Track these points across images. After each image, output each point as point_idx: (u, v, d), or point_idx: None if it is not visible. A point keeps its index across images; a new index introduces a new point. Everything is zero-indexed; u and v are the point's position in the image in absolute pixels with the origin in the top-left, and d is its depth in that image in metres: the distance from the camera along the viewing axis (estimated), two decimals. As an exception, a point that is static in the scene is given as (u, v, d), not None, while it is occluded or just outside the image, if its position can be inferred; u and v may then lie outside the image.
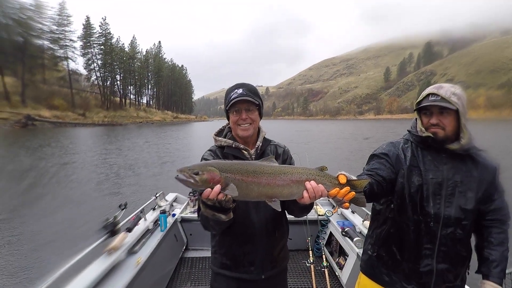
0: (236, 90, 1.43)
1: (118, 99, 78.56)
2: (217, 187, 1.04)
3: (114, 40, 75.84)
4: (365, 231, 3.27)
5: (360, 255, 2.83)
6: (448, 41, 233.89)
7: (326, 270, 3.16)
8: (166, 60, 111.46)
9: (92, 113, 58.53)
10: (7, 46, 46.03)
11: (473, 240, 1.54)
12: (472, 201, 1.41)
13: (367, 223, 3.33)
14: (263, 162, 1.21)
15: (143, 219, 3.34)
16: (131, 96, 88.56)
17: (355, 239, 3.13)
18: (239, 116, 1.43)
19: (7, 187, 9.80)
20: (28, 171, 12.11)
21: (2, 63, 45.39)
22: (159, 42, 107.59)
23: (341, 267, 3.35)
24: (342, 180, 1.17)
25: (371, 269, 1.66)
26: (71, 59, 63.00)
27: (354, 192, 1.15)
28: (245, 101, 1.41)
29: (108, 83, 74.19)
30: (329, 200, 4.33)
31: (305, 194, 1.13)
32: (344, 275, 3.22)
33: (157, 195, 3.95)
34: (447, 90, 1.40)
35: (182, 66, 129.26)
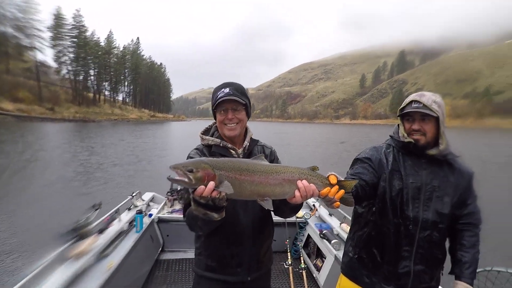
0: (223, 89, 1.41)
1: (91, 94, 75.31)
2: (211, 184, 1.02)
3: (89, 34, 72.81)
4: (343, 234, 3.31)
5: (338, 257, 2.93)
6: (419, 51, 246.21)
7: (304, 271, 3.21)
8: (144, 57, 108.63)
9: (62, 108, 55.54)
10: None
11: (447, 243, 1.60)
12: (448, 205, 1.48)
13: (345, 225, 3.41)
14: (254, 160, 1.20)
15: (117, 219, 3.21)
16: (106, 93, 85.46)
17: (332, 241, 3.17)
18: (225, 115, 1.42)
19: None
20: None
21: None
22: (138, 38, 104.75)
23: (318, 269, 3.38)
24: (333, 180, 1.19)
25: (352, 271, 1.69)
26: (38, 49, 59.50)
27: (343, 191, 1.17)
28: (231, 101, 1.39)
29: (81, 78, 70.93)
30: (317, 200, 4.30)
31: (297, 193, 1.14)
32: (321, 277, 3.25)
33: (133, 195, 3.80)
34: (429, 98, 1.46)
35: (161, 64, 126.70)
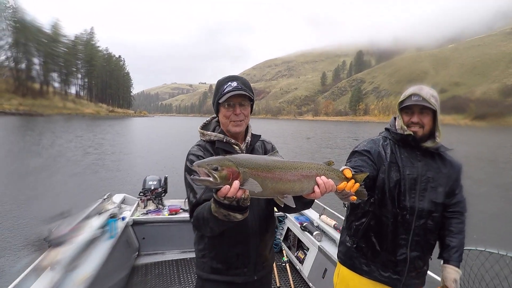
0: (229, 83, 1.36)
1: (37, 85, 68.53)
2: (236, 183, 0.97)
3: (29, 18, 65.48)
4: (323, 225, 3.38)
5: (322, 248, 3.04)
6: (375, 52, 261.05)
7: (287, 264, 3.29)
8: (100, 48, 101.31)
9: (2, 99, 49.53)
10: None
11: None
12: (442, 195, 1.59)
13: (324, 217, 3.47)
14: (272, 156, 1.18)
15: (88, 226, 2.97)
16: (56, 85, 78.61)
17: (314, 233, 3.23)
18: (232, 110, 1.37)
19: None
20: None
21: None
22: (92, 28, 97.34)
23: (301, 261, 3.41)
24: (348, 174, 1.20)
25: (350, 260, 1.73)
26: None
27: (359, 184, 1.20)
28: (240, 95, 1.34)
29: (23, 66, 63.88)
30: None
31: (317, 189, 1.13)
32: (305, 269, 3.28)
33: (104, 198, 3.60)
34: (427, 92, 1.52)
35: (120, 57, 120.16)
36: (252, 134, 1.54)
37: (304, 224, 3.49)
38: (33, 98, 60.62)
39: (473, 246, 2.18)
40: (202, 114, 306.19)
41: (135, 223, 3.68)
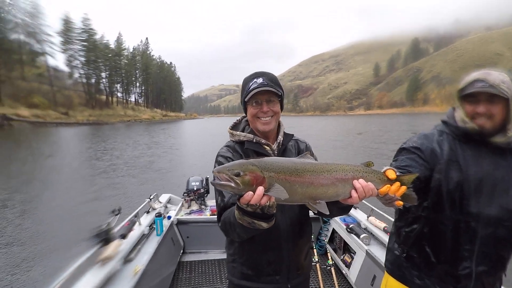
0: (255, 80, 1.29)
1: (104, 97, 75.87)
2: (260, 190, 0.90)
3: (98, 37, 73.11)
4: (371, 227, 3.15)
5: (370, 252, 2.84)
6: (434, 38, 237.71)
7: (332, 268, 3.09)
8: (154, 57, 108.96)
9: (76, 112, 55.90)
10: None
11: None
12: None
13: (373, 218, 3.25)
14: (301, 159, 1.11)
15: (137, 223, 3.17)
16: (119, 94, 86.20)
17: (362, 236, 3.04)
18: (259, 108, 1.29)
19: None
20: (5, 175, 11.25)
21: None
22: (146, 38, 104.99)
23: (347, 265, 3.26)
24: (392, 175, 1.08)
25: (400, 271, 1.53)
26: (49, 54, 59.92)
27: (405, 187, 1.07)
28: (266, 92, 1.27)
29: (93, 81, 71.44)
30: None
31: (354, 193, 1.04)
32: (352, 274, 3.11)
33: (151, 197, 3.74)
34: (496, 77, 1.27)
35: (171, 63, 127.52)
36: (284, 133, 1.44)
37: (350, 226, 3.30)
38: (100, 109, 67.38)
39: None
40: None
41: (179, 222, 3.82)
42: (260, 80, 1.28)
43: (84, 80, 68.94)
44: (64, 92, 61.00)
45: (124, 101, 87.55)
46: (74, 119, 51.62)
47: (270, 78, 1.31)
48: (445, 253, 1.37)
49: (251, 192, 0.90)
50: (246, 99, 1.29)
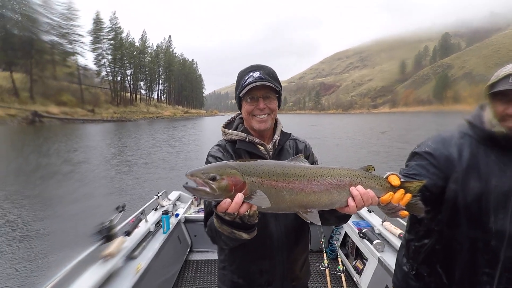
0: (251, 73, 1.19)
1: (128, 94, 78.25)
2: (239, 197, 0.81)
3: (124, 35, 75.41)
4: (386, 233, 2.96)
5: (383, 260, 2.65)
6: (466, 33, 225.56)
7: (342, 274, 2.95)
8: (176, 54, 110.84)
9: (101, 109, 58.16)
10: (15, 41, 45.72)
11: None
12: None
13: (388, 224, 3.05)
14: (292, 162, 0.99)
15: (143, 220, 3.19)
16: (142, 92, 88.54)
17: (375, 242, 2.85)
18: (255, 105, 1.19)
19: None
20: (22, 170, 11.78)
21: (11, 58, 45.13)
22: (169, 36, 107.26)
23: (359, 272, 3.09)
24: (395, 181, 0.97)
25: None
26: (80, 54, 62.56)
27: (410, 195, 0.95)
28: (263, 87, 1.16)
29: (118, 79, 73.85)
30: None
31: (351, 202, 0.93)
32: (363, 282, 2.94)
33: (159, 195, 3.73)
34: None
35: (193, 60, 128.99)
36: (281, 132, 1.34)
37: (363, 231, 3.12)
38: (124, 106, 69.82)
39: None
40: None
41: (187, 221, 3.79)
42: (256, 73, 1.17)
43: (110, 78, 71.37)
44: (91, 90, 63.78)
45: (147, 98, 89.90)
46: (99, 116, 53.78)
47: (267, 72, 1.20)
48: (460, 275, 1.20)
49: (228, 200, 0.81)
50: (241, 94, 1.19)
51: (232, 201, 0.80)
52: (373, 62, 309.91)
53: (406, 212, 0.97)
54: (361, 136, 27.16)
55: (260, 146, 1.24)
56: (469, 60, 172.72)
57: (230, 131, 1.28)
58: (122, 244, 2.50)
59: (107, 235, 2.37)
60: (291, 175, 0.89)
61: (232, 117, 1.37)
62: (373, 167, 1.01)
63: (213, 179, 0.81)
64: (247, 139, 1.24)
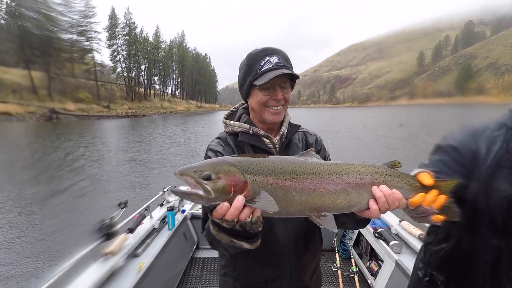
0: (267, 58, 1.04)
1: (143, 90, 79.27)
2: (239, 200, 0.68)
3: (138, 30, 76.07)
4: (403, 233, 2.79)
5: (400, 263, 2.46)
6: (491, 20, 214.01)
7: (356, 276, 2.77)
8: (189, 49, 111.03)
9: (116, 105, 59.14)
10: (34, 40, 46.77)
11: None
12: None
13: (406, 224, 2.86)
14: (301, 157, 0.86)
15: (148, 217, 3.12)
16: (156, 87, 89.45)
17: (391, 243, 2.66)
18: (271, 95, 1.05)
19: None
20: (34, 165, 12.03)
21: (29, 57, 46.27)
22: (183, 31, 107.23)
23: (373, 274, 2.92)
24: (427, 180, 0.83)
25: None
26: (96, 51, 63.62)
27: (445, 196, 0.81)
28: (281, 75, 1.01)
29: (133, 74, 74.88)
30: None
31: (373, 205, 0.80)
32: (378, 285, 2.76)
33: (164, 190, 3.60)
34: None
35: (206, 54, 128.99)
36: (289, 123, 1.21)
37: (378, 230, 2.92)
38: (138, 101, 70.86)
39: None
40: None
41: (194, 217, 3.70)
42: (274, 59, 1.03)
43: (125, 74, 72.33)
44: (107, 86, 65.05)
45: (161, 93, 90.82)
46: (114, 112, 54.68)
47: (285, 57, 1.07)
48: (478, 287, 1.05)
49: (226, 204, 0.68)
50: (257, 83, 1.03)
51: (230, 206, 0.68)
52: (390, 53, 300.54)
53: (440, 217, 0.83)
54: (378, 129, 26.22)
55: (265, 139, 1.11)
56: (494, 49, 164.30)
57: (232, 122, 1.15)
58: (124, 241, 2.45)
59: (108, 233, 2.28)
60: (302, 172, 0.76)
61: (234, 108, 1.25)
62: (399, 162, 0.86)
63: (208, 178, 0.68)
64: (250, 131, 1.11)
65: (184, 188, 0.70)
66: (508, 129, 1.01)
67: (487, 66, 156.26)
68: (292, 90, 1.13)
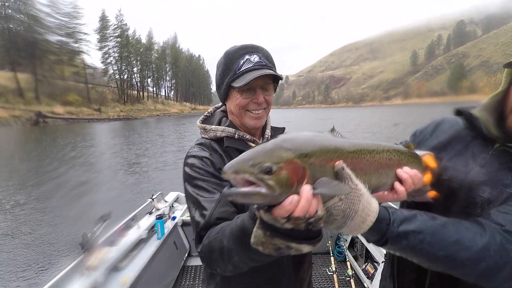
0: (247, 57, 0.94)
1: (135, 92, 77.89)
2: (307, 191, 0.52)
3: (130, 32, 74.69)
4: None
5: None
6: (482, 19, 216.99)
7: (351, 280, 2.73)
8: (182, 50, 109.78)
9: (108, 108, 57.76)
10: (20, 41, 45.34)
11: None
12: None
13: None
14: (330, 135, 0.74)
15: (135, 227, 2.97)
16: (150, 89, 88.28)
17: None
18: (251, 97, 0.97)
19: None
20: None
21: (15, 58, 44.70)
22: (175, 32, 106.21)
23: (369, 277, 2.88)
24: (433, 163, 0.85)
25: None
26: (86, 53, 62.19)
27: (436, 170, 0.86)
28: (263, 76, 0.91)
29: (125, 76, 73.43)
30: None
31: (399, 187, 0.74)
32: (375, 287, 2.73)
33: (153, 197, 3.48)
34: None
35: (199, 56, 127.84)
36: (272, 127, 1.16)
37: None
38: (131, 104, 69.49)
39: None
40: (279, 106, 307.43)
41: (185, 224, 3.55)
42: (255, 57, 0.93)
43: (117, 76, 70.88)
44: (98, 89, 63.44)
45: (155, 95, 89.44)
46: (106, 115, 53.26)
47: (266, 56, 0.97)
48: None
49: (295, 197, 0.51)
50: (235, 84, 0.93)
51: (299, 198, 0.51)
52: (384, 53, 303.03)
53: (434, 192, 0.83)
54: (373, 128, 26.05)
55: (251, 144, 1.03)
56: (486, 48, 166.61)
57: (214, 126, 1.04)
58: (103, 255, 2.30)
59: (88, 248, 2.21)
60: (343, 151, 0.64)
61: (208, 112, 1.13)
62: (413, 144, 0.84)
63: (269, 171, 0.51)
64: (236, 136, 1.02)
65: (245, 189, 0.52)
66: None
67: (479, 65, 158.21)
68: (275, 91, 1.04)
